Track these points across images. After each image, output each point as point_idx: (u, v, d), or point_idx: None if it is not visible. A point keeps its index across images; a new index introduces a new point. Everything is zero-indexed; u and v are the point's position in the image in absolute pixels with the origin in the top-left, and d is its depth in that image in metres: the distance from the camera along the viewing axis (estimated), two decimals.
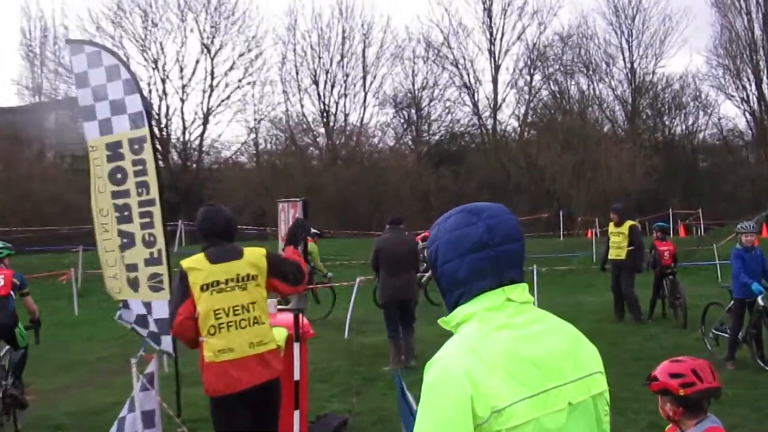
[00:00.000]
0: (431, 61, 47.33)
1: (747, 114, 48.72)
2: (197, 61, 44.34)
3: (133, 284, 7.35)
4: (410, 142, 48.91)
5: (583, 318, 14.20)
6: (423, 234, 18.34)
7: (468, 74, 47.53)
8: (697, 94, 49.03)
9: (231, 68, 43.98)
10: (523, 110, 48.83)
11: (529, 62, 47.71)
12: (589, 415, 1.91)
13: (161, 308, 7.27)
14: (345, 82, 45.85)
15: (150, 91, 41.93)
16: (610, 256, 13.93)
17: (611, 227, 14.03)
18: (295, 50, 45.94)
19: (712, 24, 58.83)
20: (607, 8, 50.06)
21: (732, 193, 44.27)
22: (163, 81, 42.86)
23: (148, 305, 7.39)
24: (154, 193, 7.34)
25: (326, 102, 45.83)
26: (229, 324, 4.98)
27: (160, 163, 39.76)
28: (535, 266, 15.73)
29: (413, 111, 47.79)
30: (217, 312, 4.97)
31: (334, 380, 9.62)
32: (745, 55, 47.58)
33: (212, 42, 43.69)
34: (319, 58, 45.50)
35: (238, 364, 4.95)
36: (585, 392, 1.89)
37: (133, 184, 7.33)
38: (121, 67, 7.31)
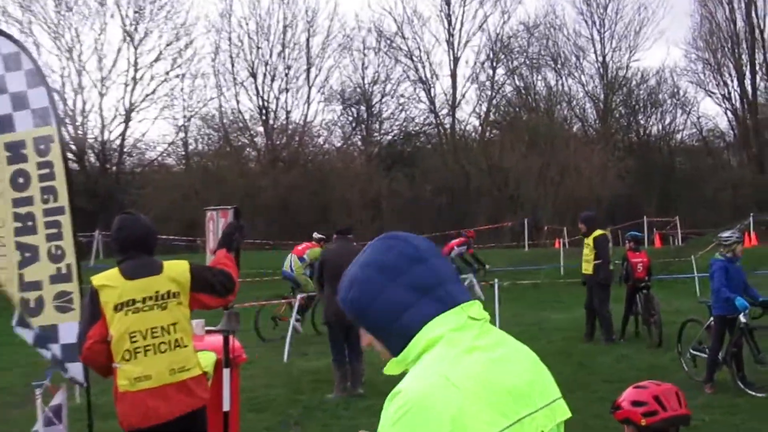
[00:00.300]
0: (383, 53, 47.66)
1: (728, 112, 49.92)
2: (118, 51, 44.02)
3: (35, 308, 7.17)
4: (359, 143, 49.08)
5: (548, 337, 14.37)
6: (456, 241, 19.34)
7: (424, 67, 47.96)
8: (675, 90, 50.16)
9: (157, 59, 43.69)
10: (484, 107, 49.38)
11: (491, 55, 48.28)
12: None
13: (70, 331, 7.13)
14: (286, 75, 45.83)
15: (63, 84, 41.46)
16: (583, 270, 14.17)
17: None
18: (230, 39, 45.81)
19: (691, 14, 60.32)
20: None
21: (712, 199, 45.20)
22: (79, 73, 42.35)
23: (53, 328, 7.25)
24: (63, 200, 7.20)
25: (265, 97, 45.76)
26: (147, 348, 4.91)
27: (74, 165, 39.25)
28: (496, 280, 15.83)
29: (363, 108, 47.95)
30: (132, 335, 4.89)
31: (271, 410, 9.55)
32: (726, 49, 48.72)
33: (136, 29, 43.33)
34: (258, 48, 45.41)
35: (156, 393, 4.88)
36: (552, 420, 1.93)
37: (37, 189, 7.19)
38: (22, 56, 7.17)
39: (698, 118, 51.29)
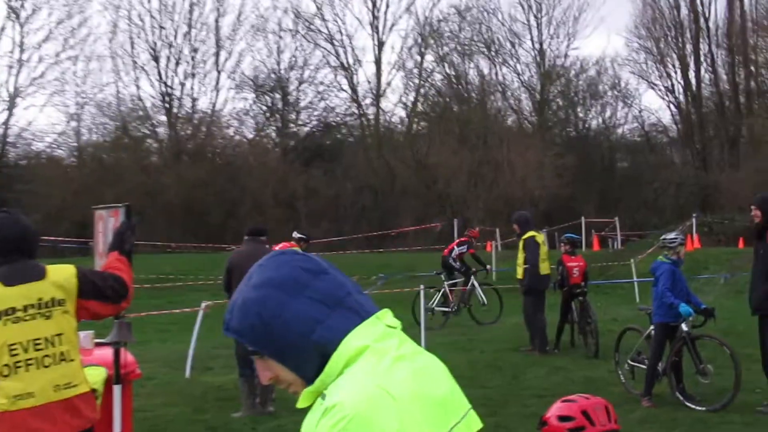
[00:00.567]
0: (301, 36, 47.53)
1: (672, 106, 51.11)
2: (2, 29, 42.86)
3: None
4: (274, 134, 48.89)
5: (479, 348, 14.57)
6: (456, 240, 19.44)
7: (345, 53, 48.03)
8: (616, 81, 51.20)
9: (46, 39, 43.00)
10: (412, 97, 49.66)
11: (419, 40, 48.59)
12: None
13: None
14: (193, 59, 45.42)
15: None
16: (517, 275, 14.43)
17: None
18: (129, 18, 45.18)
19: (633, 0, 61.54)
20: None
21: (654, 199, 46.27)
22: None
23: None
24: None
25: (169, 83, 45.25)
26: (29, 362, 4.83)
27: None
28: (422, 287, 15.95)
29: (278, 96, 47.76)
30: (12, 347, 4.80)
31: (170, 431, 9.47)
32: (669, 38, 49.93)
33: (22, 5, 42.54)
34: (161, 28, 44.88)
35: (39, 412, 4.80)
36: (469, 431, 1.99)
37: None
38: None
39: (640, 111, 52.46)
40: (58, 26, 42.96)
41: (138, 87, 46.87)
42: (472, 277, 18.35)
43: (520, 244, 14.19)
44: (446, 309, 17.85)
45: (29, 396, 4.79)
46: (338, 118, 49.45)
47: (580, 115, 51.75)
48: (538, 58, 50.02)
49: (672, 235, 10.66)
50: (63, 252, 29.27)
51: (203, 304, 14.67)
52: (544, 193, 41.78)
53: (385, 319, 1.98)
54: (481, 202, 42.13)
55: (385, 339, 1.93)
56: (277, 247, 16.26)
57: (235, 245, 18.60)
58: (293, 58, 47.51)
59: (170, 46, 45.04)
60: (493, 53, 49.54)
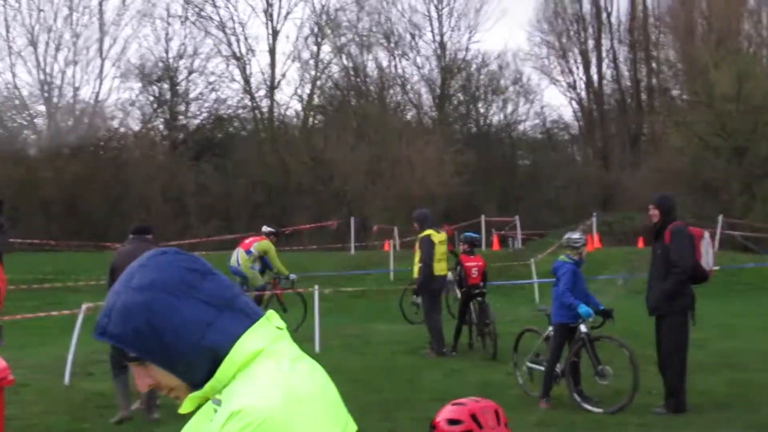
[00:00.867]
0: (191, 23, 46.93)
1: (574, 103, 52.23)
2: None
3: None
4: (162, 127, 48.16)
5: (375, 351, 14.65)
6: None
7: (238, 41, 47.62)
8: (518, 77, 51.93)
9: None
10: (308, 89, 49.49)
11: (316, 29, 48.48)
12: None
13: None
14: (74, 45, 44.34)
15: None
16: (413, 275, 14.60)
17: None
18: None
19: None
20: None
21: (555, 198, 47.19)
22: None
23: None
24: None
25: (48, 71, 44.09)
26: None
27: None
28: (317, 287, 15.96)
29: (166, 86, 47.06)
30: None
31: None
32: (572, 33, 51.03)
33: None
34: (39, 11, 43.67)
35: None
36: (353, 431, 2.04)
37: None
38: None
39: (542, 108, 53.41)
40: None
41: (14, 74, 45.31)
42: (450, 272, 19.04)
43: (417, 242, 14.36)
44: None
45: None
46: (230, 111, 48.97)
47: (481, 110, 52.31)
48: (438, 51, 50.41)
49: (577, 235, 10.92)
50: None
51: (84, 306, 14.39)
52: (444, 190, 42.13)
53: (273, 320, 2.00)
54: (380, 199, 42.28)
55: (279, 341, 1.96)
56: (246, 241, 16.93)
57: (119, 243, 18.28)
58: (182, 46, 46.84)
59: (50, 30, 43.86)
60: (392, 45, 49.78)
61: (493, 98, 51.90)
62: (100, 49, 44.93)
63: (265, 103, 48.57)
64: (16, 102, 44.46)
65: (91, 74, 46.25)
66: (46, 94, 44.50)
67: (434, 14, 50.31)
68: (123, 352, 1.94)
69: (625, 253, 27.35)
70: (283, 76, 48.80)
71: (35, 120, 45.33)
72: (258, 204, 43.83)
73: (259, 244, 16.76)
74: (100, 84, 45.96)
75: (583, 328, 10.33)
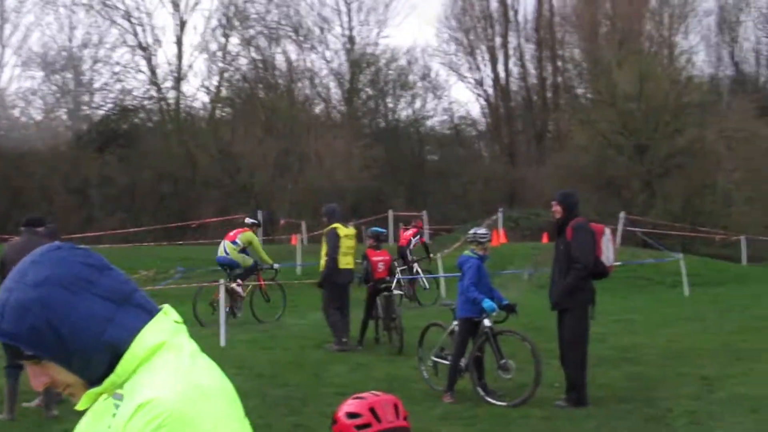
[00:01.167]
0: (96, 12, 46.05)
1: (481, 99, 52.78)
2: None
3: None
4: (65, 117, 47.17)
5: (282, 345, 14.61)
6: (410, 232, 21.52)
7: (144, 32, 46.91)
8: (426, 72, 52.27)
9: None
10: (215, 82, 49.05)
11: (224, 21, 48.03)
12: None
13: None
14: None
15: None
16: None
17: None
18: None
19: None
20: None
21: (462, 194, 47.64)
22: None
23: None
24: None
25: None
26: None
27: None
28: (222, 281, 15.86)
29: (70, 76, 46.14)
30: None
31: None
32: (479, 29, 51.52)
33: None
34: None
35: None
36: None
37: None
38: None
39: (450, 103, 53.86)
40: None
41: None
42: (416, 264, 20.77)
43: (324, 236, 14.40)
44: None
45: None
46: (136, 102, 48.24)
47: (390, 105, 52.53)
48: (347, 45, 50.44)
49: (483, 231, 11.06)
50: None
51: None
52: (353, 184, 42.19)
53: (170, 315, 2.00)
54: (287, 193, 42.17)
55: (178, 334, 1.96)
56: (231, 233, 17.47)
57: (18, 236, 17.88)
58: (87, 35, 45.99)
59: None
60: (301, 38, 49.60)
61: (401, 93, 52.13)
62: (1, 37, 43.93)
63: (171, 95, 48.02)
64: None
65: None
66: None
67: (343, 8, 50.38)
68: (16, 351, 1.89)
69: (530, 249, 27.75)
70: (190, 67, 48.42)
71: None
72: (164, 196, 43.32)
73: (244, 235, 17.45)
74: (1, 72, 44.92)
75: (486, 322, 10.46)
